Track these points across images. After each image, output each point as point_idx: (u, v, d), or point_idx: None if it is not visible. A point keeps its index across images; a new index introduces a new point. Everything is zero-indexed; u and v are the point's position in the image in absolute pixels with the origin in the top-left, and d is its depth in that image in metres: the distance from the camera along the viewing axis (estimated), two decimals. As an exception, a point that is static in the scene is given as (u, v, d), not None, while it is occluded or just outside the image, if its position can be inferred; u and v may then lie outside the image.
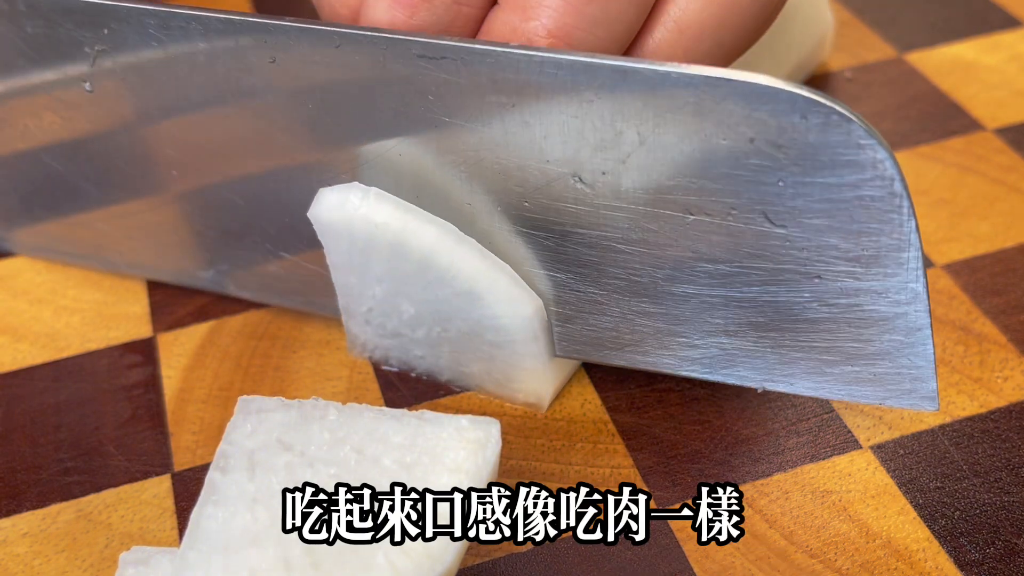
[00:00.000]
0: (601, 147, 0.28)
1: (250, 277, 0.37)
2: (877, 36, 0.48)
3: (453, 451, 0.27)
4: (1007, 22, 0.48)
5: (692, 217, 0.28)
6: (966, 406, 0.33)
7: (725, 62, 0.31)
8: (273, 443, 0.28)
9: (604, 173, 0.28)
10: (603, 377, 0.34)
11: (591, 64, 0.27)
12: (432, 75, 0.29)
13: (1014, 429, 0.32)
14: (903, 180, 0.26)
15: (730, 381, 0.31)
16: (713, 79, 0.26)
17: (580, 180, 0.29)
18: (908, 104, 0.44)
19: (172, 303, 0.38)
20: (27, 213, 0.39)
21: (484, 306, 0.31)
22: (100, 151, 0.36)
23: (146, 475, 0.33)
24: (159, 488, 0.32)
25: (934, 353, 0.28)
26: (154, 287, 0.38)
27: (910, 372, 0.29)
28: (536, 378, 0.33)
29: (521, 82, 0.28)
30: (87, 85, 0.34)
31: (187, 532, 0.27)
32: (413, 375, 0.35)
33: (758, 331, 0.30)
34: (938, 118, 0.43)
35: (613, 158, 0.28)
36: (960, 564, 0.29)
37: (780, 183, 0.27)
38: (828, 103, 0.26)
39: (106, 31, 0.32)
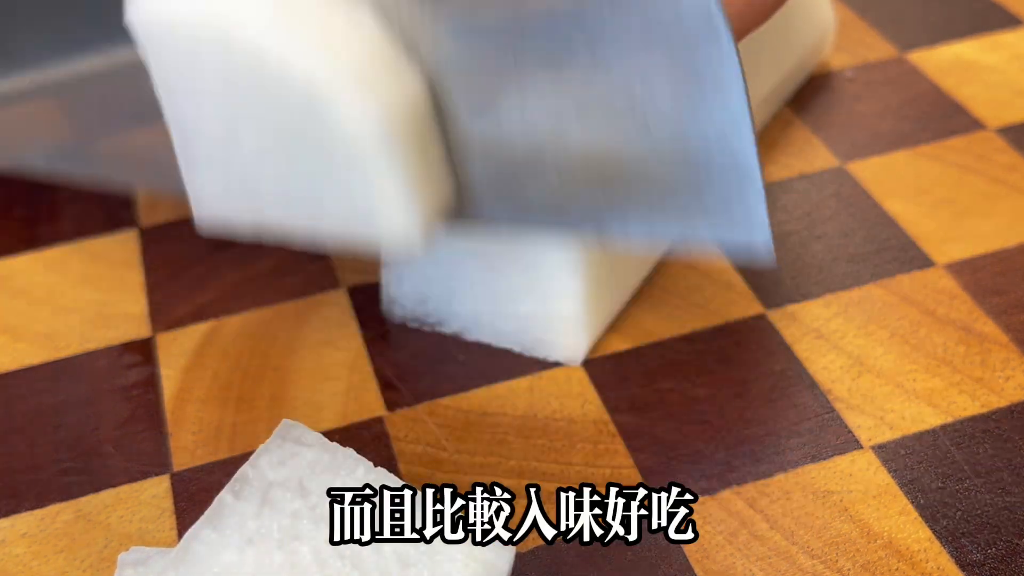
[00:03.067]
0: None
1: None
2: (878, 35, 0.48)
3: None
4: (1008, 22, 0.48)
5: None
6: (967, 406, 0.33)
7: (755, 21, 0.30)
8: (294, 483, 0.27)
9: None
10: (603, 377, 0.34)
11: None
12: None
13: (1016, 429, 0.32)
14: (720, 4, 0.25)
15: (564, 231, 0.30)
16: None
17: None
18: (909, 103, 0.44)
19: (172, 303, 0.38)
20: None
21: (326, 111, 0.26)
22: None
23: (145, 475, 0.33)
24: (158, 488, 0.32)
25: (762, 177, 0.27)
26: (153, 287, 0.38)
27: (738, 196, 0.27)
28: (394, 223, 0.29)
29: None
30: None
31: (179, 547, 0.26)
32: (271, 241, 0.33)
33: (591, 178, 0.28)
34: (939, 117, 0.43)
35: None
36: (962, 565, 0.29)
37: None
38: None
39: None
